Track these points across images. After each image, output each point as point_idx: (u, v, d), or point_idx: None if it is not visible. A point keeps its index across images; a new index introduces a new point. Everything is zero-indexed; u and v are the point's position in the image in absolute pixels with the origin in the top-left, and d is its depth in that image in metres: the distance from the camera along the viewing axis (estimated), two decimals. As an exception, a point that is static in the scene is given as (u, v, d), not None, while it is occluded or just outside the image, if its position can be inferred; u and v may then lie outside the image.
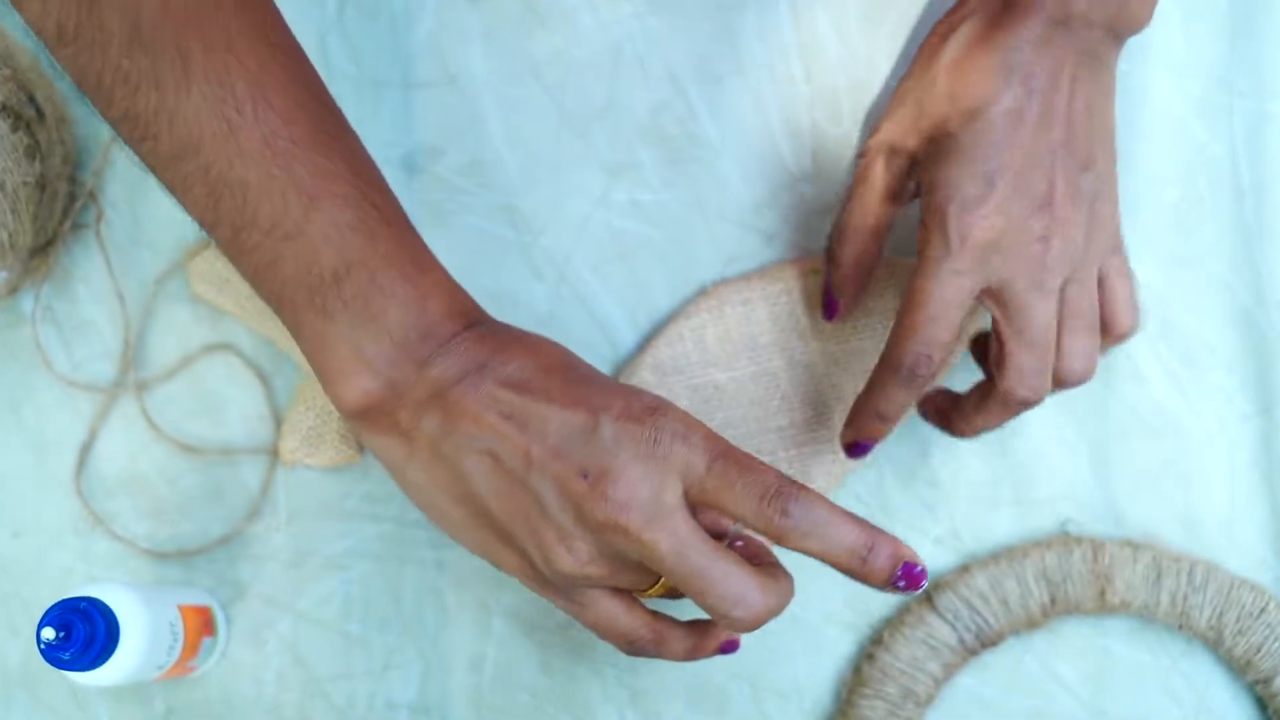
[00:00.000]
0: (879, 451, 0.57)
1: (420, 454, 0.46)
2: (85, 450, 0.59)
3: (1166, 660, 0.59)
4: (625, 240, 0.60)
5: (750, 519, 0.43)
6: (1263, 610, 0.57)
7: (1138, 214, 0.60)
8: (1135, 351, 0.60)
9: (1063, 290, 0.51)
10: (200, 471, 0.59)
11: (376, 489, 0.59)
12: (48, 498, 0.58)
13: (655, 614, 0.48)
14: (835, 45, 0.60)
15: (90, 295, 0.59)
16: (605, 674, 0.59)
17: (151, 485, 0.59)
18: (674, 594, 0.47)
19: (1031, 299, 0.50)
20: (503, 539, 0.46)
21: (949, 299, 0.50)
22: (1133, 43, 0.53)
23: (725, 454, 0.44)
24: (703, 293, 0.59)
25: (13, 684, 0.58)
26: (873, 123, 0.60)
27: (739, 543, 0.48)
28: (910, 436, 0.59)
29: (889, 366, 0.52)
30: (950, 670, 0.58)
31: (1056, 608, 0.58)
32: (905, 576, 0.44)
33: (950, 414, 0.55)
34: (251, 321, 0.58)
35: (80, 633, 0.48)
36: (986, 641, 0.58)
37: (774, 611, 0.45)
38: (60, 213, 0.58)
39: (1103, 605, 0.57)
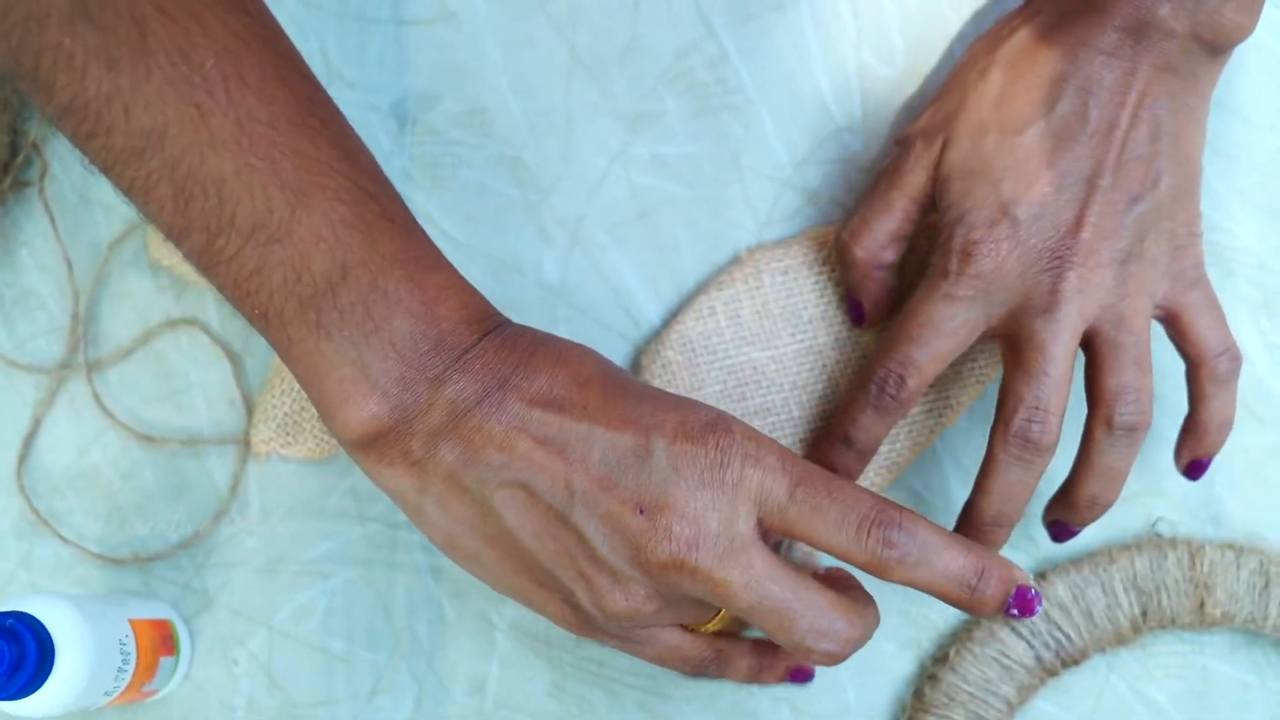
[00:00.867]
0: (940, 443, 0.56)
1: (435, 488, 0.43)
2: (28, 441, 0.57)
3: (1275, 682, 0.57)
4: (647, 199, 0.57)
5: (846, 550, 0.42)
6: (1387, 623, 0.55)
7: (1234, 166, 0.57)
8: (1234, 326, 0.56)
9: (1094, 328, 0.49)
10: (160, 464, 0.57)
11: (362, 485, 0.57)
12: (-15, 495, 0.57)
13: (717, 633, 0.47)
14: (888, -26, 0.58)
15: (34, 262, 0.57)
16: (623, 697, 0.56)
17: (104, 480, 0.57)
18: (741, 626, 0.45)
19: (1039, 326, 0.48)
20: (541, 583, 0.44)
21: (936, 323, 0.49)
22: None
23: (807, 478, 0.42)
24: (736, 260, 0.57)
25: (-62, 713, 0.57)
26: (923, 79, 0.58)
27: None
28: (977, 426, 0.56)
29: (859, 384, 0.51)
30: (1026, 693, 0.55)
31: (1148, 621, 0.55)
32: (1019, 603, 0.43)
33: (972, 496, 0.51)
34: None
35: (6, 655, 0.46)
36: (1068, 660, 0.55)
37: (861, 642, 0.43)
38: (-1, 168, 0.57)
39: (1202, 618, 0.55)
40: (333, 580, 0.56)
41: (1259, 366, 0.56)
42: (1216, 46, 0.49)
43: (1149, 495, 0.56)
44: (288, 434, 0.56)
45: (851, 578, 0.47)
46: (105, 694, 0.50)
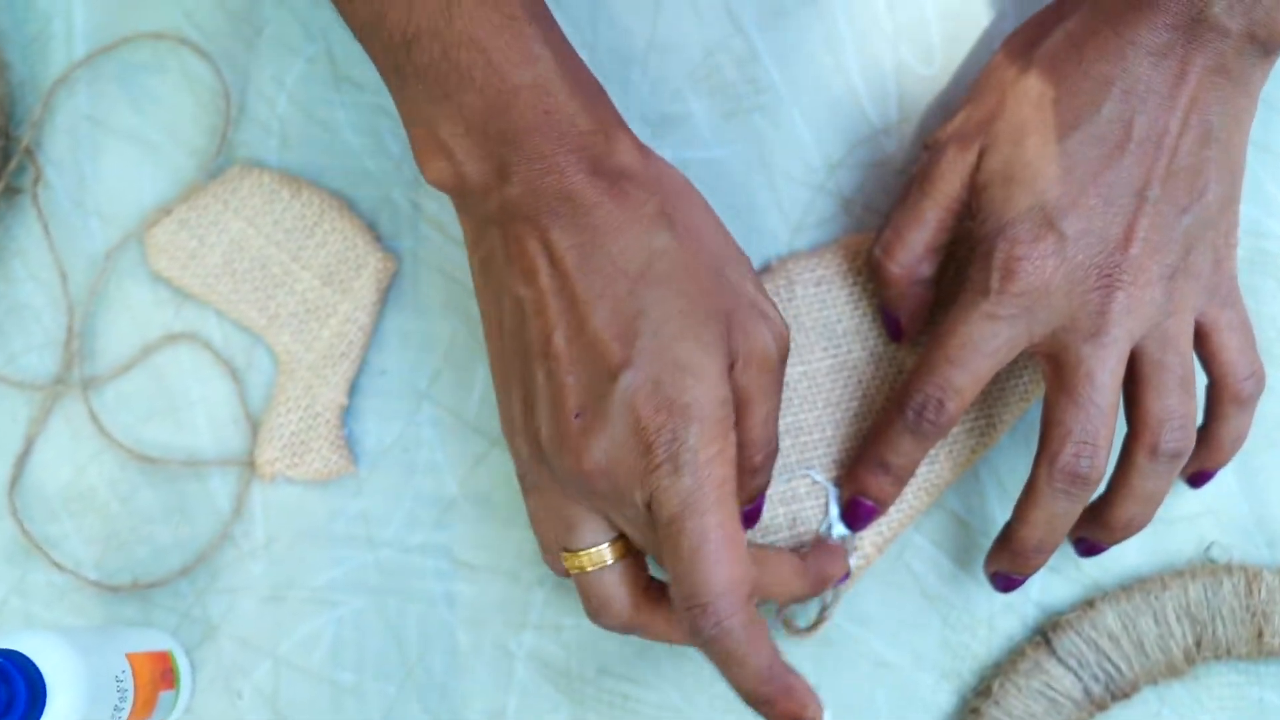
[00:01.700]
0: (981, 464, 0.55)
1: (476, 258, 0.47)
2: (21, 461, 0.56)
3: (1337, 716, 0.56)
4: (673, 206, 0.57)
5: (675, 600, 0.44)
6: None
7: (1269, 144, 0.55)
8: (1291, 338, 0.55)
9: (1139, 346, 0.48)
10: (160, 486, 0.56)
11: (373, 507, 0.56)
12: (-25, 519, 0.56)
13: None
14: (926, -32, 0.56)
15: (27, 272, 0.57)
16: (649, 729, 0.55)
17: (101, 503, 0.56)
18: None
19: (1086, 352, 0.47)
20: (508, 381, 0.47)
21: (976, 344, 0.48)
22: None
23: (686, 513, 0.43)
24: (768, 269, 0.55)
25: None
26: (963, 79, 0.56)
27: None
28: (1018, 445, 0.55)
29: (895, 406, 0.49)
30: (1074, 729, 0.54)
31: (1202, 651, 0.54)
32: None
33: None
34: (222, 304, 0.56)
35: (-6, 696, 0.44)
36: (1118, 693, 0.54)
37: (755, 591, 0.44)
38: (-11, 174, 0.56)
39: (1259, 649, 0.53)
40: (341, 608, 0.55)
41: (1318, 381, 0.55)
42: (1271, 46, 0.47)
43: (1201, 516, 0.55)
44: (294, 454, 0.55)
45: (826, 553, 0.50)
46: (101, 733, 0.48)
